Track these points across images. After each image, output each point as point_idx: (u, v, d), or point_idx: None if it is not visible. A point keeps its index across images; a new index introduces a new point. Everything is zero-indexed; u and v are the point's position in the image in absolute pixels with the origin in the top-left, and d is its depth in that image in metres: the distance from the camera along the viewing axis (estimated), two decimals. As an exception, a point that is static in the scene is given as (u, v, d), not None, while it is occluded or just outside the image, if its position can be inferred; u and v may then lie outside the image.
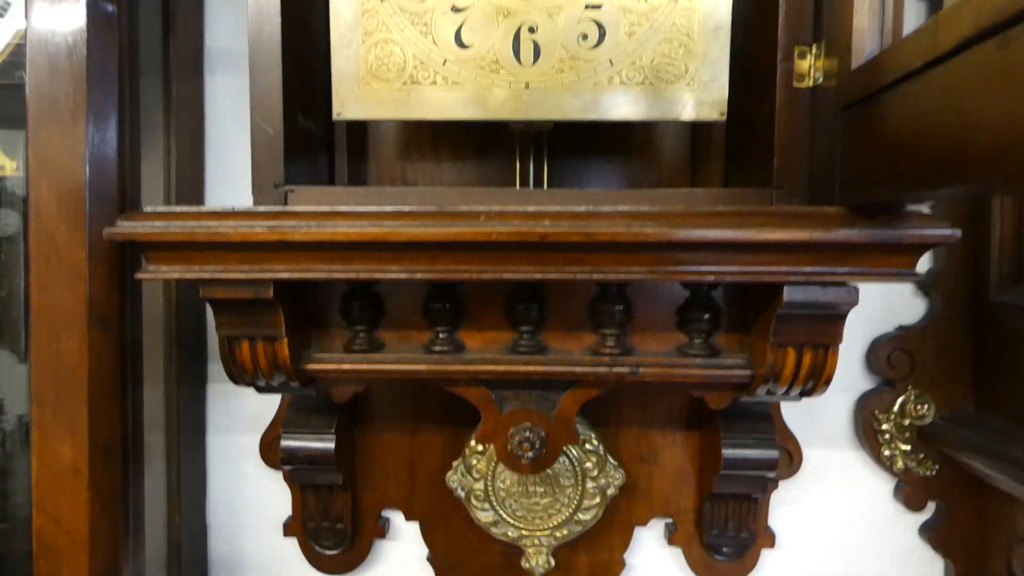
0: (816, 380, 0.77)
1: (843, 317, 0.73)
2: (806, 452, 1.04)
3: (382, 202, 0.72)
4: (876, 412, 1.03)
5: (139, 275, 0.71)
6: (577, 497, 0.96)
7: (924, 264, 1.02)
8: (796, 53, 0.75)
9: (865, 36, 0.65)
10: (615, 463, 0.96)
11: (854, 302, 0.71)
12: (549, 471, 0.94)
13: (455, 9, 0.78)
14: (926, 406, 1.01)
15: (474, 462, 0.96)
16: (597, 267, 0.69)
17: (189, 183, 1.00)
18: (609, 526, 1.04)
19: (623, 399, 1.01)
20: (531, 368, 0.80)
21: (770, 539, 1.04)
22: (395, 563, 1.08)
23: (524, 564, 0.97)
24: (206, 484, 1.09)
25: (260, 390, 0.85)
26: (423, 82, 0.80)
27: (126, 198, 0.83)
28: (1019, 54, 0.41)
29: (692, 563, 1.05)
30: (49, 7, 0.78)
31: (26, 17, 0.79)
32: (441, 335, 0.82)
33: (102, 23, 0.80)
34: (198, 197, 1.03)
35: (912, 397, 1.02)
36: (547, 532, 0.97)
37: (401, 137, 1.03)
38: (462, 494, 0.96)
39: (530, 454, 0.83)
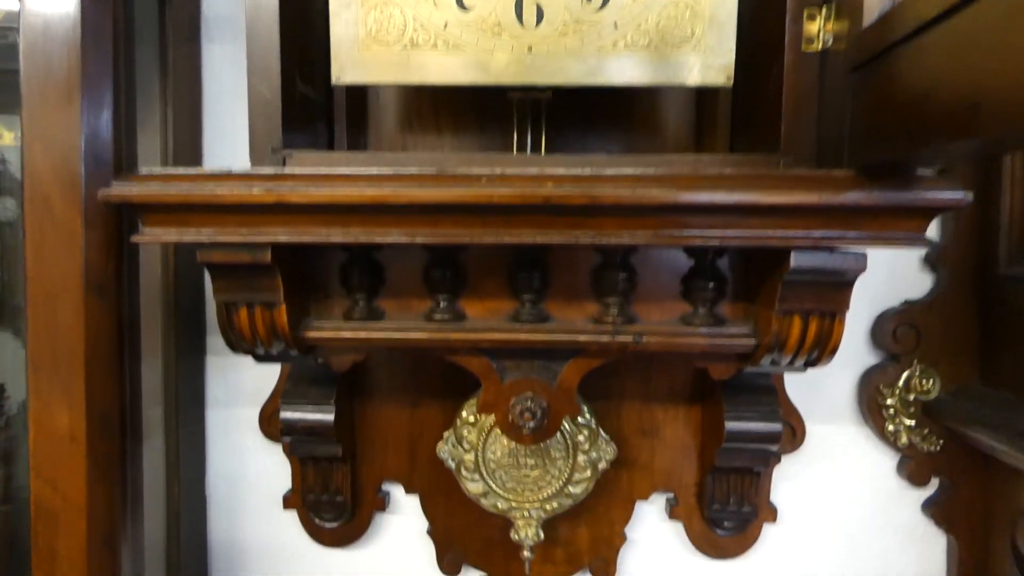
0: (821, 350, 0.76)
1: (850, 284, 0.71)
2: (809, 427, 1.03)
3: (382, 167, 0.70)
4: (881, 387, 1.02)
5: (135, 238, 0.70)
6: (568, 470, 0.96)
7: (931, 237, 1.01)
8: (805, 15, 0.73)
9: (877, -5, 0.64)
10: (607, 437, 0.95)
11: (862, 268, 0.70)
12: (540, 444, 0.94)
13: (457, -31, 0.76)
14: (931, 381, 1.00)
15: (465, 433, 0.95)
16: (601, 231, 0.68)
17: (186, 151, 0.98)
18: (610, 500, 1.04)
19: (625, 372, 1.01)
20: (533, 337, 0.79)
21: (772, 514, 1.03)
22: (395, 536, 1.08)
23: (513, 536, 0.97)
24: (205, 457, 1.09)
25: (259, 359, 0.84)
26: (423, 46, 0.78)
27: (122, 164, 0.82)
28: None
29: (693, 537, 1.04)
30: (43, -30, 0.76)
31: (20, -19, 0.77)
32: (442, 303, 0.81)
33: (97, -12, 0.79)
34: (195, 164, 1.01)
35: (917, 372, 1.01)
36: (537, 504, 0.96)
37: (401, 107, 1.02)
38: (452, 465, 0.96)
39: (531, 424, 0.82)
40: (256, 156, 0.76)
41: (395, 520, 1.08)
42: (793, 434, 1.03)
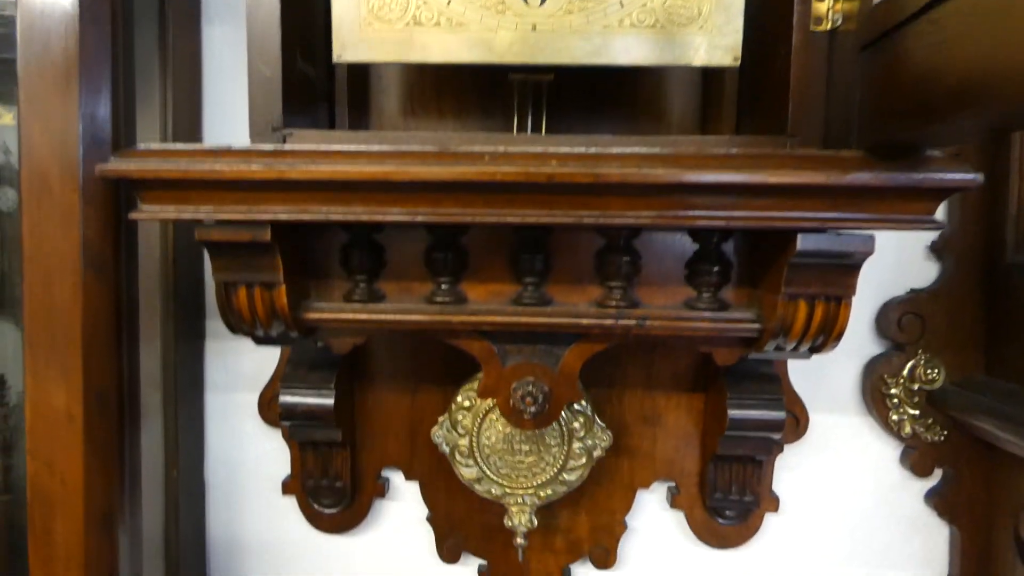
0: (827, 335, 0.75)
1: (857, 267, 0.70)
2: (812, 417, 1.02)
3: (383, 145, 0.70)
4: (885, 376, 1.01)
5: (133, 215, 0.69)
6: (563, 457, 0.95)
7: (939, 220, 1.00)
8: (814, -5, 0.72)
9: (888, -29, 0.62)
10: (602, 424, 0.95)
11: (869, 251, 0.69)
12: (536, 430, 0.93)
13: (460, -55, 0.75)
14: (936, 370, 1.00)
15: (459, 418, 0.94)
16: (605, 211, 0.67)
17: (186, 132, 0.97)
18: (611, 488, 1.03)
19: (627, 359, 1.00)
20: (535, 320, 0.78)
21: (774, 503, 1.03)
22: (395, 523, 1.07)
23: (507, 522, 0.96)
24: (204, 442, 1.08)
25: (258, 341, 0.83)
26: (426, 23, 0.77)
27: (120, 143, 0.81)
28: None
29: (694, 526, 1.04)
30: (40, -55, 0.75)
31: (17, -42, 0.76)
32: (443, 286, 0.80)
33: (94, -35, 0.78)
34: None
35: (922, 361, 1.00)
36: (531, 491, 0.95)
37: (403, 91, 1.00)
38: (446, 450, 0.95)
39: (532, 409, 0.81)
40: (256, 135, 0.75)
41: (395, 507, 1.07)
42: (796, 423, 1.02)
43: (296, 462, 1.04)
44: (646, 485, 1.04)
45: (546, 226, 0.76)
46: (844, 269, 0.71)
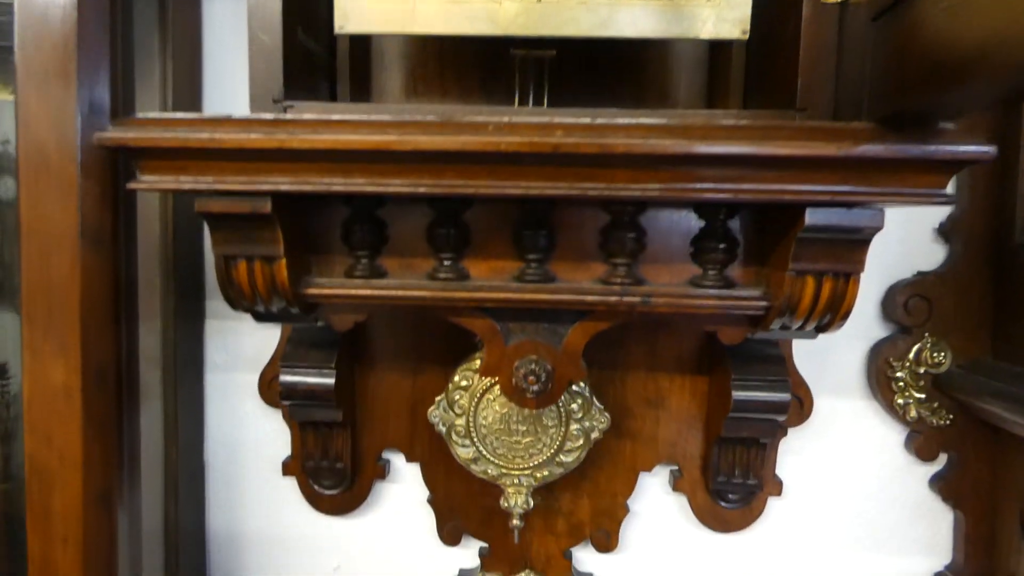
0: (835, 312, 0.74)
1: (867, 242, 0.69)
2: (817, 400, 1.01)
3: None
4: (890, 360, 1.00)
5: (132, 185, 0.68)
6: (560, 438, 0.94)
7: (945, 209, 0.99)
8: (825, -34, 0.71)
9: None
10: (600, 406, 0.94)
11: (879, 226, 0.68)
12: (533, 411, 0.92)
13: (465, -87, 0.73)
14: (943, 354, 0.99)
15: (456, 397, 0.93)
16: (611, 183, 0.65)
17: (186, 106, 0.96)
18: (613, 471, 1.02)
19: (630, 340, 0.99)
20: (538, 296, 0.77)
21: (777, 487, 1.02)
22: (395, 505, 1.07)
23: (503, 503, 0.95)
24: (204, 423, 1.08)
25: (259, 317, 0.82)
26: (430, -6, 0.76)
27: (119, 113, 0.80)
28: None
29: (697, 510, 1.03)
30: (37, -91, 0.74)
31: (12, -78, 0.75)
32: (445, 262, 0.79)
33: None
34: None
35: (929, 344, 0.99)
36: (527, 472, 0.95)
37: (405, 68, 0.99)
38: (443, 429, 0.94)
39: (535, 387, 0.80)
40: (256, 106, 0.74)
41: (395, 489, 1.07)
42: (800, 407, 1.01)
43: (296, 443, 1.03)
44: (648, 468, 1.03)
45: (550, 200, 0.75)
46: (853, 244, 0.69)
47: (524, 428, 0.94)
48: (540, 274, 0.78)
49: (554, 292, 0.78)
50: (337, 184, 0.67)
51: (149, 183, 0.68)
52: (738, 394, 0.90)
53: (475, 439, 0.94)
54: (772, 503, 1.03)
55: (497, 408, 0.93)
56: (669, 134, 0.64)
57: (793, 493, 1.05)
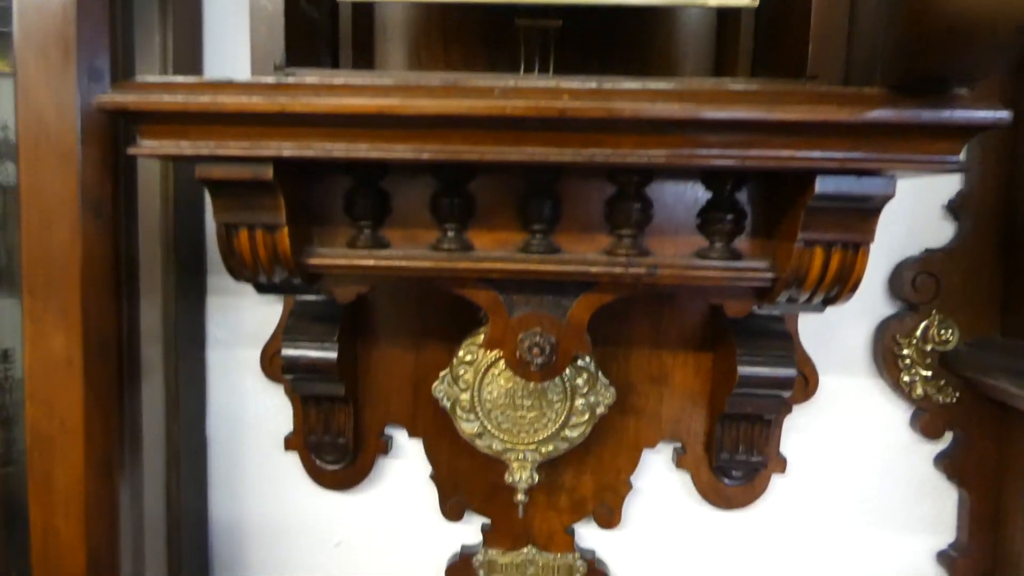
0: (843, 284, 0.74)
1: (877, 211, 0.68)
2: (822, 378, 1.01)
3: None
4: (897, 337, 0.99)
5: (132, 150, 0.67)
6: (565, 413, 0.94)
7: (954, 186, 0.98)
8: (838, -72, 0.69)
9: None
10: (606, 381, 0.93)
11: (890, 194, 0.67)
12: (538, 385, 0.92)
13: None
14: (950, 331, 0.98)
15: (461, 372, 0.93)
16: (617, 149, 0.65)
17: (186, 72, 0.95)
18: (616, 448, 1.02)
19: (634, 316, 0.98)
20: (543, 267, 0.77)
21: (781, 464, 1.02)
22: (398, 481, 1.07)
23: (507, 478, 0.95)
24: (205, 398, 1.07)
25: (260, 289, 0.81)
26: (434, -41, 0.74)
27: (119, 79, 0.79)
28: None
29: (700, 487, 1.03)
30: None
31: None
32: (449, 233, 0.78)
33: None
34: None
35: (936, 322, 0.98)
36: (532, 446, 0.94)
37: (408, 38, 0.98)
38: (447, 404, 0.94)
39: (539, 360, 0.80)
40: (258, 74, 0.74)
41: (398, 464, 1.06)
42: (805, 384, 1.00)
43: (298, 417, 1.03)
44: (652, 445, 1.02)
45: (555, 169, 0.74)
46: (863, 213, 0.68)
47: (529, 403, 0.93)
48: (545, 245, 0.78)
49: (559, 263, 0.77)
50: (339, 150, 0.66)
51: (150, 148, 0.67)
52: (743, 369, 0.90)
53: (480, 414, 0.94)
54: (776, 480, 1.03)
55: (502, 383, 0.93)
56: (677, 99, 0.63)
57: (797, 471, 1.04)
